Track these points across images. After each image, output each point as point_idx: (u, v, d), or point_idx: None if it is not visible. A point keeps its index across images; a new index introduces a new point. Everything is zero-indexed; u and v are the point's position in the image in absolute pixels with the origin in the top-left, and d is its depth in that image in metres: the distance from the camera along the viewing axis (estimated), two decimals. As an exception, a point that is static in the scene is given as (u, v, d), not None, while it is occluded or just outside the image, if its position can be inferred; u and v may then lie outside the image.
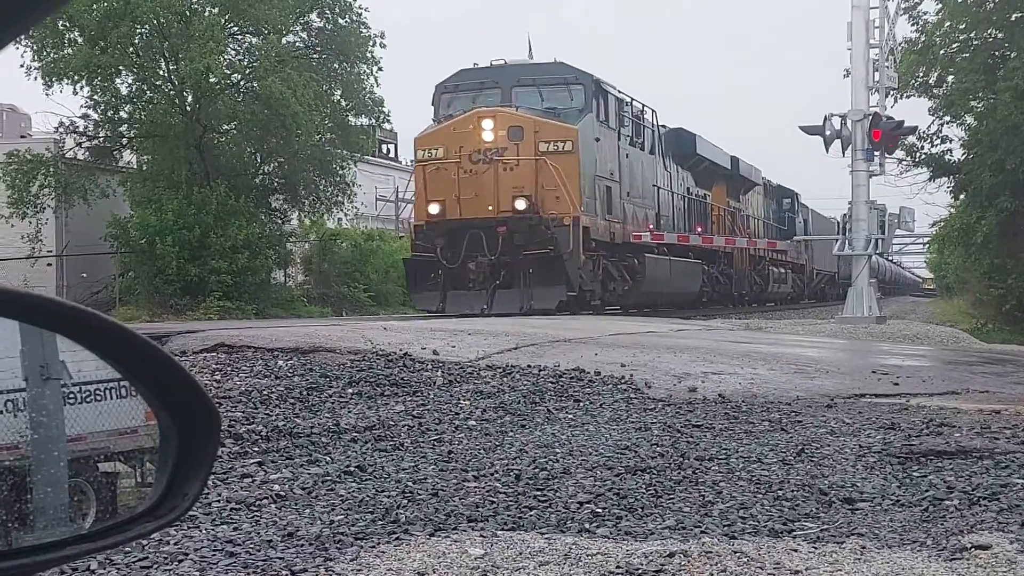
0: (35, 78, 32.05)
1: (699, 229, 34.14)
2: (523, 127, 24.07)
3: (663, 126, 32.37)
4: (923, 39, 32.10)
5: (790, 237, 47.72)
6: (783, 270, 46.86)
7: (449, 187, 24.03)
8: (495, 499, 6.02)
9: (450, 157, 24.13)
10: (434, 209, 24.08)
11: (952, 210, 36.96)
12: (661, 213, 30.33)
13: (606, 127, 26.19)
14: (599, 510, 5.78)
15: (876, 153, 27.57)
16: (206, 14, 32.15)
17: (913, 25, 32.40)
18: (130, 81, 33.01)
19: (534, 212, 23.53)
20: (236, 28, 33.63)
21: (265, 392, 9.44)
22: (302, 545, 5.15)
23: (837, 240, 52.16)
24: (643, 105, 29.78)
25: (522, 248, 23.39)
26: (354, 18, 34.51)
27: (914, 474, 6.67)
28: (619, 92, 27.56)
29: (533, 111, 24.61)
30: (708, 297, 35.28)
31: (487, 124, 23.91)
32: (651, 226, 29.02)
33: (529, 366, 11.53)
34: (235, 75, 33.46)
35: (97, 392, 2.00)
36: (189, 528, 5.38)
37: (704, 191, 36.20)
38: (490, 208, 23.64)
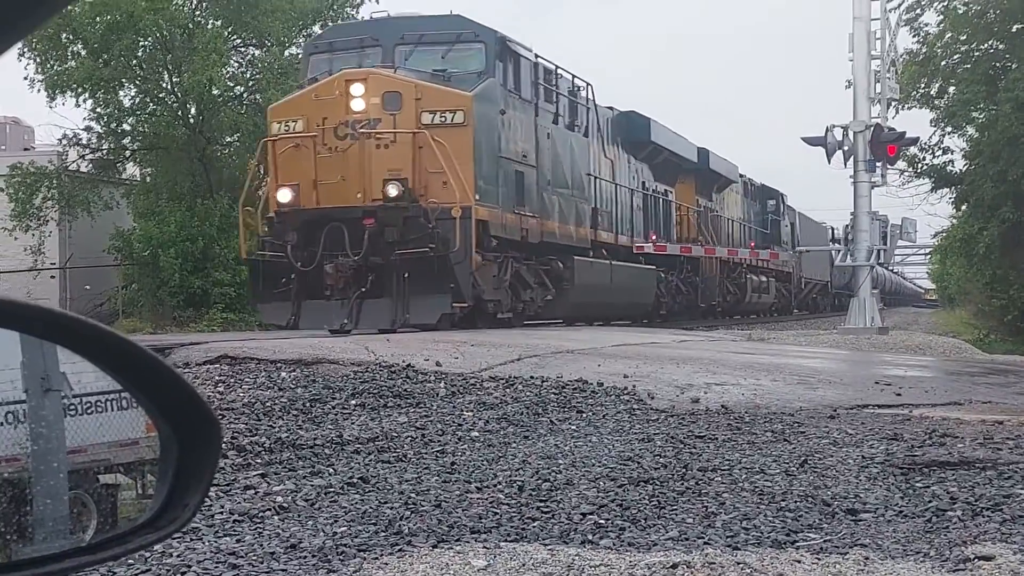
0: (38, 90, 32.13)
1: (654, 233, 29.66)
2: (401, 93, 18.83)
3: (610, 108, 27.85)
4: (924, 50, 32.17)
5: (775, 242, 45.09)
6: (765, 278, 42.63)
7: (307, 169, 18.98)
8: (498, 510, 6.01)
9: (312, 131, 19.02)
10: (285, 196, 18.93)
11: (954, 221, 37.02)
12: (600, 208, 25.32)
13: (517, 98, 20.89)
14: (602, 521, 5.77)
15: (878, 164, 27.56)
16: (209, 27, 32.22)
17: (914, 36, 32.51)
18: (133, 93, 33.05)
19: (412, 200, 18.40)
20: (239, 40, 33.68)
21: (268, 404, 9.44)
22: (305, 557, 5.15)
23: (832, 248, 52.15)
24: (573, 76, 24.29)
25: (395, 246, 18.24)
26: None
27: (917, 485, 6.66)
28: (539, 57, 22.20)
29: (418, 74, 19.50)
30: (668, 309, 30.98)
31: (356, 89, 18.74)
32: (587, 224, 24.36)
33: (532, 377, 11.53)
34: (238, 87, 33.51)
35: (98, 404, 2.00)
36: (192, 540, 5.37)
37: (666, 187, 31.53)
38: (358, 196, 18.61)
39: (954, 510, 5.98)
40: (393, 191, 18.28)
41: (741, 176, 41.12)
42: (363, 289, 18.30)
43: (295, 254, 18.59)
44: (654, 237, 29.30)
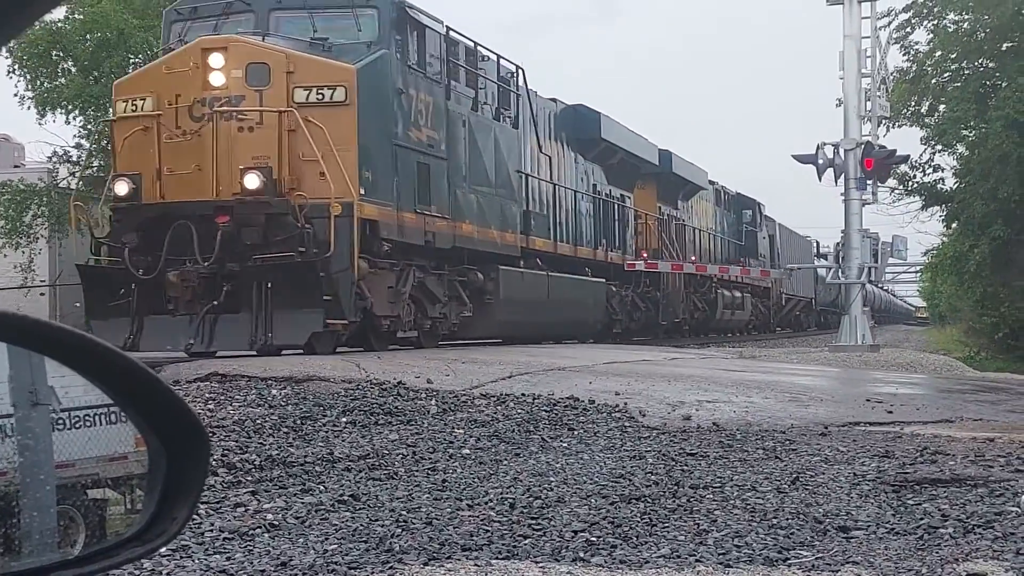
0: (28, 107, 32.08)
1: (605, 240, 26.90)
2: (269, 65, 15.42)
3: (554, 100, 24.99)
4: (915, 69, 32.26)
5: (751, 255, 42.70)
6: (739, 294, 39.53)
7: (152, 156, 15.53)
8: (489, 528, 6.00)
9: (163, 110, 15.57)
10: (123, 189, 15.49)
11: (944, 239, 37.07)
12: (534, 211, 22.05)
13: (422, 77, 17.38)
14: (594, 539, 5.76)
15: (869, 182, 27.62)
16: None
17: (905, 55, 32.58)
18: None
19: (277, 194, 15.04)
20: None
21: (258, 421, 9.41)
22: (295, 575, 5.13)
23: (818, 265, 51.71)
24: (499, 57, 20.92)
25: (256, 250, 14.90)
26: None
27: (909, 502, 6.66)
28: (452, 31, 18.81)
29: (292, 43, 16.15)
30: (624, 327, 28.08)
31: (215, 60, 15.37)
32: (516, 228, 20.94)
33: (523, 394, 11.52)
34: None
35: (87, 418, 1.99)
36: (182, 558, 5.35)
37: (622, 192, 28.54)
38: (219, 188, 15.27)
39: (946, 527, 5.98)
40: (252, 182, 14.90)
41: (712, 183, 38.63)
42: (215, 302, 14.84)
43: (133, 259, 15.20)
44: (606, 240, 27.04)
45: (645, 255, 29.80)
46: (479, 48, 20.12)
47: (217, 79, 15.37)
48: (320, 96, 15.50)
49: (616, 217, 28.01)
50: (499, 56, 20.86)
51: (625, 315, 27.99)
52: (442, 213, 17.80)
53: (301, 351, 14.99)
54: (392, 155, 16.45)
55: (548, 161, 23.46)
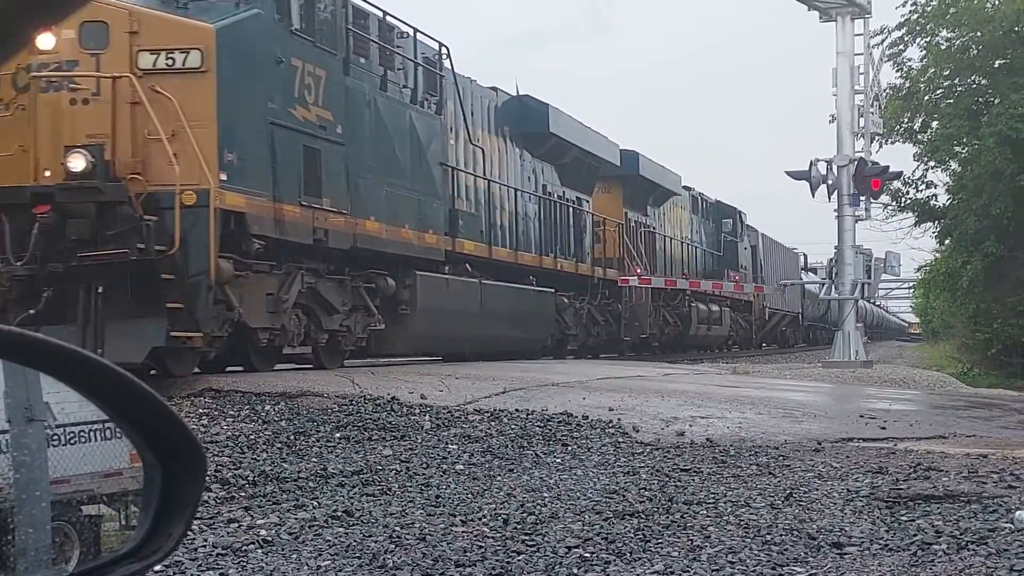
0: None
1: (557, 247, 24.03)
2: (109, 24, 12.47)
3: (494, 88, 22.07)
4: (908, 85, 32.37)
5: (731, 266, 40.13)
6: (717, 307, 36.99)
7: None
8: (483, 544, 5.99)
9: None
10: None
11: (937, 255, 37.15)
12: (462, 210, 19.00)
13: (312, 46, 14.36)
14: (587, 555, 5.75)
15: (862, 198, 27.68)
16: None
17: (898, 71, 32.70)
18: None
19: (111, 178, 12.29)
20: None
21: (252, 437, 9.41)
22: (288, 590, 5.12)
23: (806, 280, 51.39)
24: (416, 31, 17.79)
25: (84, 247, 12.19)
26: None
27: (902, 518, 6.66)
28: None
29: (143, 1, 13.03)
30: (578, 343, 25.56)
31: None
32: (439, 228, 17.84)
33: (517, 410, 11.52)
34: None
35: (81, 434, 1.99)
36: (175, 574, 5.34)
37: (579, 194, 25.70)
38: (45, 172, 12.44)
39: (939, 544, 5.98)
40: (77, 164, 12.13)
41: (688, 189, 36.38)
42: (32, 311, 12.20)
43: None
44: (558, 247, 24.11)
45: (639, 271, 29.73)
46: (392, 20, 17.10)
47: (45, 41, 12.15)
48: (170, 61, 12.61)
49: (571, 222, 25.06)
50: (416, 30, 17.67)
51: (581, 330, 25.47)
52: (338, 207, 14.64)
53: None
54: (268, 136, 13.48)
55: (482, 155, 20.37)
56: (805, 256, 61.19)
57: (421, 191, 17.20)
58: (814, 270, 60.06)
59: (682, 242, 35.47)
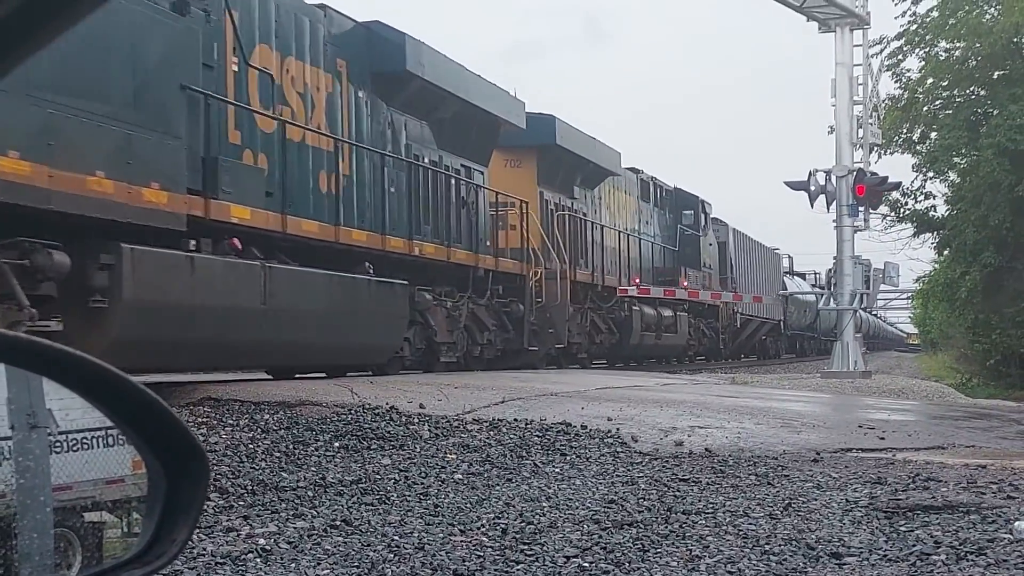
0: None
1: (430, 227, 18.32)
2: None
3: (324, 7, 15.83)
4: (906, 96, 32.40)
5: (693, 264, 34.68)
6: (670, 312, 31.86)
7: None
8: (482, 553, 5.99)
9: None
10: None
11: (936, 265, 37.17)
12: (226, 159, 13.05)
13: None
14: (586, 564, 5.75)
15: (860, 209, 27.71)
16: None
17: (896, 82, 32.74)
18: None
19: None
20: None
21: (251, 446, 9.40)
22: (287, 599, 5.11)
23: (790, 280, 50.33)
24: None
25: None
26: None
27: (901, 528, 6.66)
28: None
29: None
30: (457, 353, 19.15)
31: None
32: (178, 183, 11.94)
33: (516, 420, 11.52)
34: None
35: (84, 441, 1.99)
36: (173, 582, 5.33)
37: (465, 162, 19.88)
38: None
39: (938, 554, 5.97)
40: None
41: (637, 172, 31.26)
42: None
43: None
44: (428, 227, 18.28)
45: (640, 279, 29.52)
46: None
47: None
48: None
49: (450, 196, 19.11)
50: None
51: (461, 338, 19.27)
52: None
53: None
54: None
55: (271, 85, 14.12)
56: (790, 258, 58.00)
57: (140, 124, 11.40)
58: (802, 275, 58.37)
59: (626, 233, 29.49)
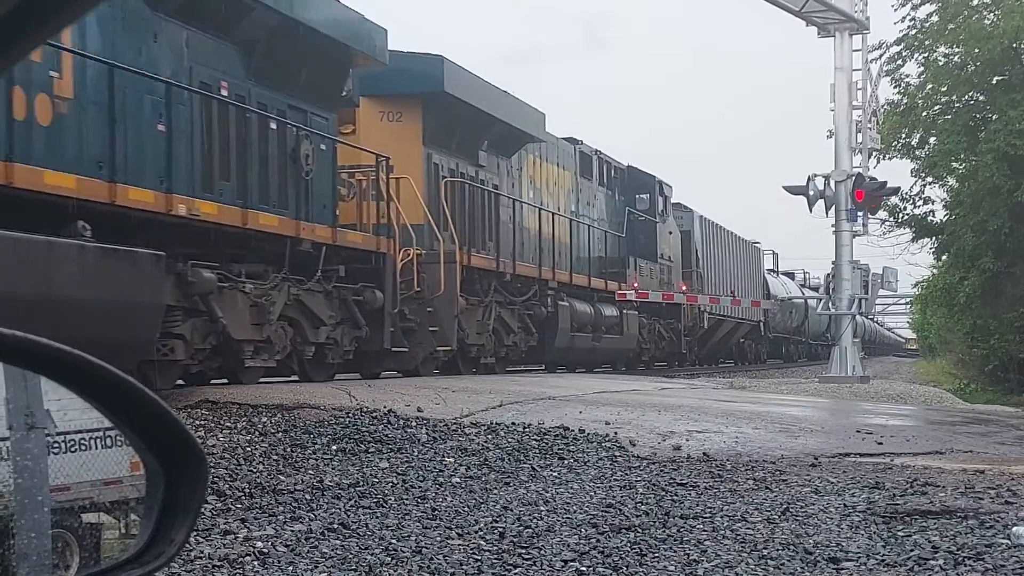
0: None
1: (233, 182, 13.45)
2: None
3: None
4: (905, 101, 32.40)
5: (647, 255, 30.19)
6: (614, 310, 27.11)
7: None
8: (479, 557, 5.98)
9: None
10: None
11: (935, 271, 37.17)
12: None
13: None
14: (584, 568, 5.75)
15: (859, 214, 27.73)
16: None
17: (895, 87, 32.73)
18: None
19: None
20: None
21: (248, 449, 9.40)
22: (284, 602, 5.11)
23: (774, 278, 48.96)
24: None
25: None
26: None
27: (899, 533, 6.65)
28: None
29: None
30: (283, 355, 14.41)
31: None
32: None
33: (514, 423, 11.52)
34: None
35: (82, 441, 1.99)
36: (170, 585, 5.33)
37: (303, 106, 14.99)
38: None
39: (936, 559, 5.97)
40: None
41: (575, 142, 26.29)
42: None
43: None
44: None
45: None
46: None
47: None
48: None
49: (267, 146, 14.12)
50: None
51: (279, 335, 14.24)
52: None
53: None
54: None
55: None
56: (775, 255, 53.98)
57: None
58: (790, 274, 56.82)
59: (556, 214, 24.27)
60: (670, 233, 32.78)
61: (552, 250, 23.68)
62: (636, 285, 28.86)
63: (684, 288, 32.99)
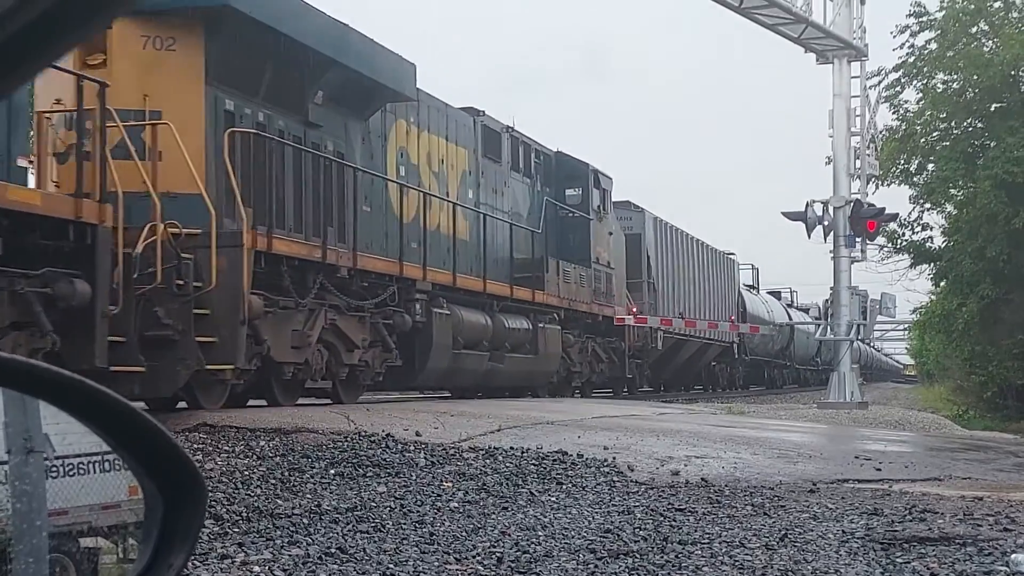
0: None
1: None
2: None
3: None
4: (904, 127, 32.49)
5: (576, 257, 24.21)
6: (524, 323, 21.51)
7: None
8: (477, 582, 5.97)
9: None
10: None
11: (933, 297, 37.19)
12: None
13: None
14: (581, 594, 5.73)
15: (858, 240, 27.79)
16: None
17: (894, 114, 32.83)
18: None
19: None
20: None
21: (246, 472, 9.38)
22: (281, 627, 5.09)
23: (752, 294, 46.60)
24: None
25: None
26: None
27: (898, 560, 6.64)
28: None
29: None
30: None
31: None
32: None
33: (512, 448, 11.50)
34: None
35: (80, 465, 1.99)
36: (167, 609, 5.31)
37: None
38: None
39: (935, 585, 5.96)
40: None
41: (476, 113, 20.87)
42: None
43: None
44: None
45: (635, 309, 29.18)
46: None
47: None
48: None
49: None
50: None
51: None
52: None
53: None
54: None
55: None
56: (755, 269, 48.76)
57: None
58: (776, 294, 52.50)
59: (440, 199, 18.94)
60: (610, 234, 26.80)
61: (425, 242, 17.82)
62: (635, 311, 28.48)
63: (633, 307, 28.39)
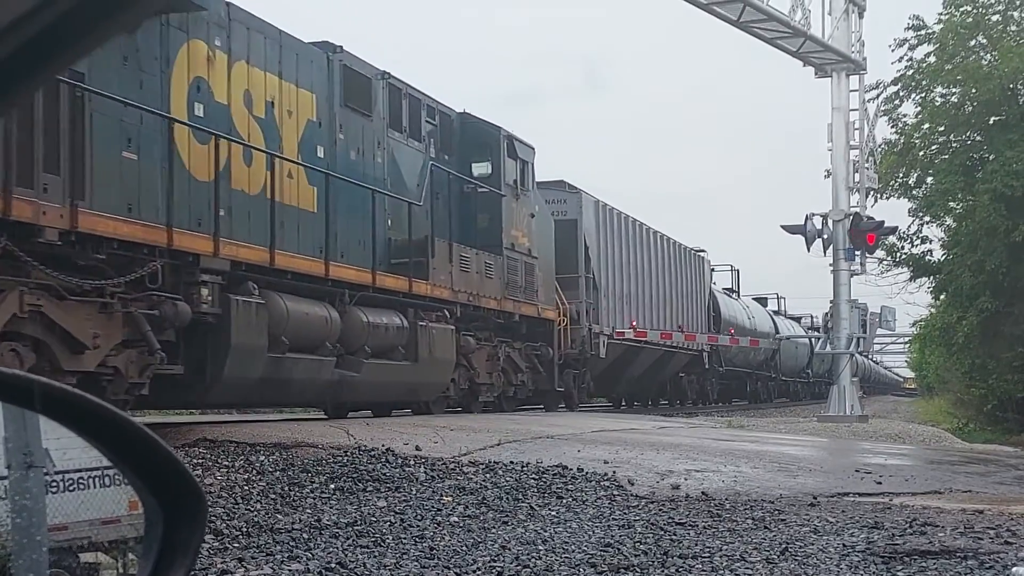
0: None
1: None
2: None
3: None
4: (903, 141, 32.52)
5: (487, 243, 20.09)
6: (395, 321, 16.92)
7: None
8: (477, 596, 5.96)
9: None
10: None
11: (932, 310, 37.20)
12: None
13: None
14: (582, 608, 5.72)
15: (857, 253, 27.80)
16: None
17: (893, 127, 32.87)
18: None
19: None
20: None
21: (246, 487, 9.37)
22: (281, 642, 5.08)
23: (727, 298, 43.81)
24: None
25: None
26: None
27: (898, 574, 6.63)
28: None
29: None
30: None
31: None
32: None
33: (512, 462, 11.49)
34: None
35: (80, 480, 1.99)
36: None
37: None
38: None
39: (936, 599, 5.95)
40: None
41: (332, 49, 16.04)
42: None
43: None
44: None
45: (637, 324, 28.99)
46: None
47: None
48: None
49: None
50: None
51: None
52: None
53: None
54: None
55: None
56: (736, 272, 44.09)
57: None
58: (762, 300, 48.63)
59: (270, 152, 14.12)
60: (532, 216, 22.19)
61: (225, 207, 13.19)
62: (634, 324, 28.40)
63: (564, 305, 23.83)
